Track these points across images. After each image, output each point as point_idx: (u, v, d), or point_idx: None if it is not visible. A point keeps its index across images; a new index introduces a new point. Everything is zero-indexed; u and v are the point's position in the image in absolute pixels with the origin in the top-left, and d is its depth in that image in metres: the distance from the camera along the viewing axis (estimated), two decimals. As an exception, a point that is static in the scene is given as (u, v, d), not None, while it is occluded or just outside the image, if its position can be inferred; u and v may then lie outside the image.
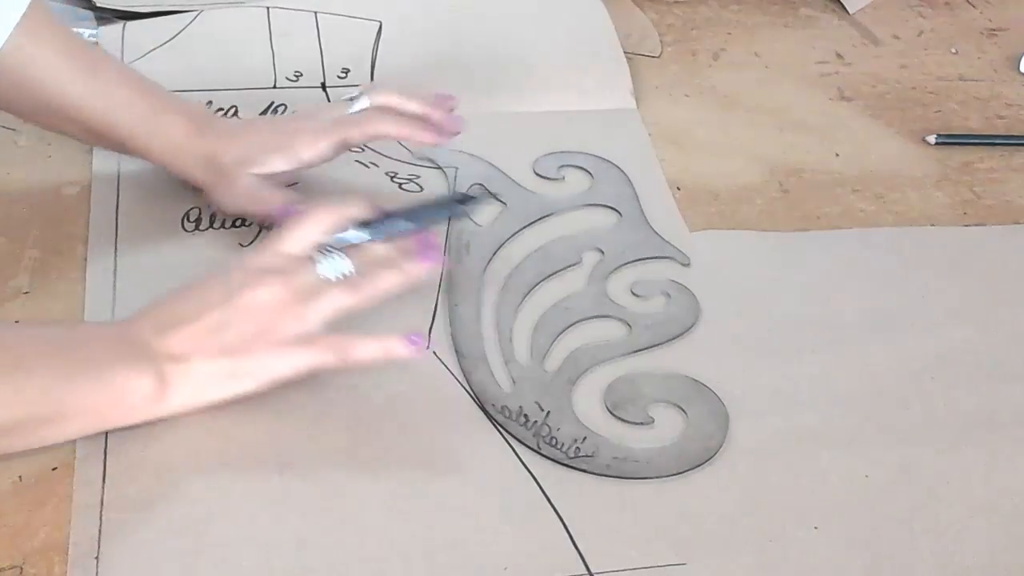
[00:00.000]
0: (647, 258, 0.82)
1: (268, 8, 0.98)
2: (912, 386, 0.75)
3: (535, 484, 0.67)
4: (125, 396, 0.64)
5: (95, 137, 0.79)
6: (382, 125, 0.79)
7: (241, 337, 0.65)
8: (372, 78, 0.95)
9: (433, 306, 0.77)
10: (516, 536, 0.64)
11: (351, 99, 0.80)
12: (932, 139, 0.95)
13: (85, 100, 0.76)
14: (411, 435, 0.69)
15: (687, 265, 0.82)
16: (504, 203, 0.85)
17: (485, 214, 0.83)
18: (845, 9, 1.11)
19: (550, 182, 0.88)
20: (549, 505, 0.66)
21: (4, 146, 0.86)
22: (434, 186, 0.86)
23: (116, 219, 0.80)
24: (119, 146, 0.79)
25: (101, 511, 0.63)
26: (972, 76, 1.04)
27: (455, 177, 0.87)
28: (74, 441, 0.66)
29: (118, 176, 0.83)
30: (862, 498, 0.67)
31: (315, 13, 0.98)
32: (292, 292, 0.66)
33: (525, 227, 0.83)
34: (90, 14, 0.97)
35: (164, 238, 0.80)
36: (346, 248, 0.68)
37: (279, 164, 0.79)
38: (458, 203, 0.76)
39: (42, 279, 0.76)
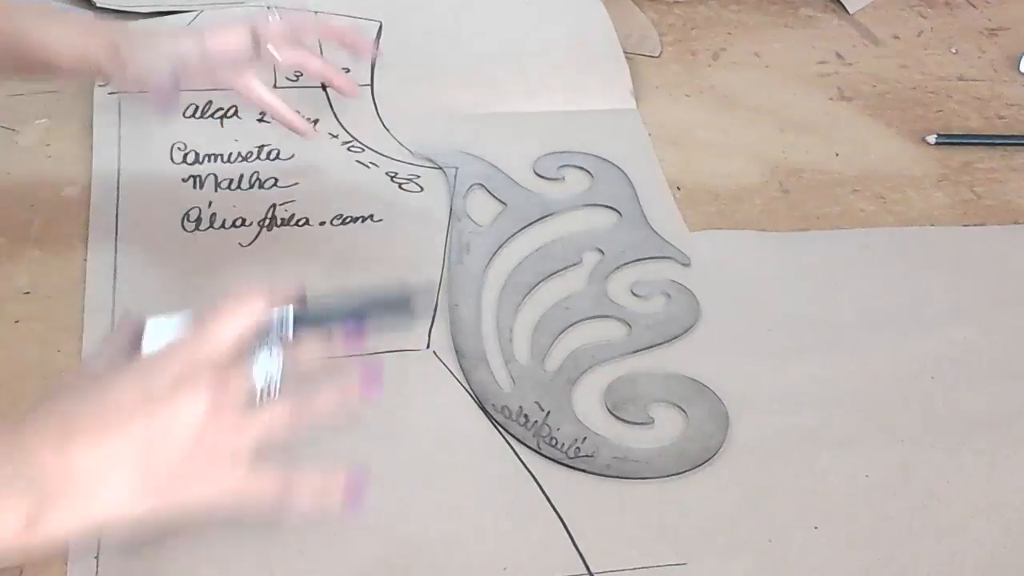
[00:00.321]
0: (647, 258, 0.82)
1: (268, 8, 0.98)
2: (912, 386, 0.75)
3: (535, 484, 0.67)
4: None
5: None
6: (307, 58, 0.77)
7: (162, 458, 0.52)
8: (372, 78, 0.95)
9: (433, 306, 0.77)
10: (516, 536, 0.64)
11: (269, 8, 0.78)
12: (932, 139, 0.95)
13: None
14: (411, 435, 0.69)
15: (687, 265, 0.82)
16: (505, 203, 0.85)
17: (484, 212, 0.83)
18: (845, 9, 1.11)
19: (550, 182, 0.88)
20: (549, 505, 0.66)
21: (4, 146, 0.86)
22: (435, 186, 0.86)
23: (116, 219, 0.80)
24: (16, 59, 0.72)
25: (101, 511, 0.63)
26: (972, 76, 1.04)
27: (455, 177, 0.87)
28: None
29: (118, 176, 0.83)
30: (862, 498, 0.68)
31: (315, 13, 0.98)
32: (224, 407, 0.53)
33: (525, 227, 0.83)
34: (90, 14, 0.97)
35: (164, 238, 0.80)
36: (275, 348, 0.56)
37: (182, 46, 0.74)
38: (401, 307, 0.60)
39: (42, 279, 0.76)
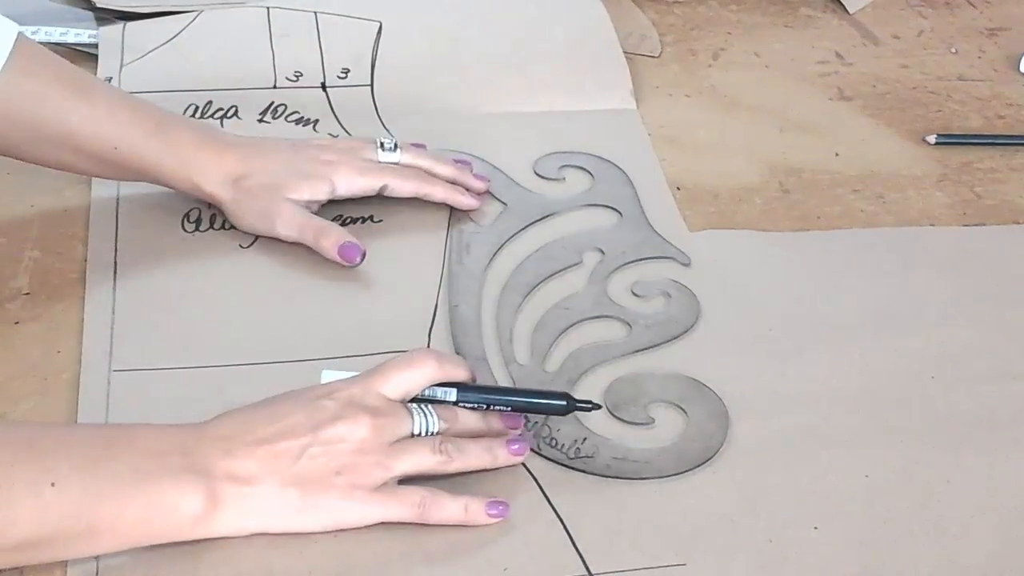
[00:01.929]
0: (647, 258, 0.82)
1: (268, 8, 0.98)
2: (912, 386, 0.75)
3: (535, 484, 0.67)
4: (167, 514, 0.58)
5: (104, 165, 0.77)
6: (428, 187, 0.82)
7: (319, 472, 0.60)
8: (372, 78, 0.95)
9: (433, 306, 0.77)
10: (516, 536, 0.64)
11: (381, 145, 0.82)
12: (932, 139, 0.95)
13: (86, 126, 0.74)
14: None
15: (687, 265, 0.82)
16: (505, 203, 0.85)
17: (483, 212, 0.84)
18: (845, 9, 1.11)
19: (551, 182, 0.88)
20: (549, 505, 0.66)
21: (4, 146, 0.86)
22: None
23: (116, 219, 0.80)
24: (130, 171, 0.77)
25: (101, 511, 0.63)
26: (972, 76, 1.04)
27: None
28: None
29: (118, 176, 0.83)
30: (862, 498, 0.67)
31: (315, 13, 0.98)
32: (382, 438, 0.61)
33: (526, 227, 0.83)
34: (90, 14, 0.97)
35: (164, 238, 0.80)
36: (436, 406, 0.65)
37: (311, 192, 0.79)
38: (564, 405, 0.68)
39: (42, 279, 0.76)
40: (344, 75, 0.95)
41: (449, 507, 0.62)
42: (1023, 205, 0.90)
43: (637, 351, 0.75)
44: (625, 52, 0.99)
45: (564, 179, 0.88)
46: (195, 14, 0.97)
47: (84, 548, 0.58)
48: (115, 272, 0.77)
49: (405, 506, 0.62)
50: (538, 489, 0.66)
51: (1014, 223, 0.88)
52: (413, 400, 0.64)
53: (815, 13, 1.11)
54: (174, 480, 0.58)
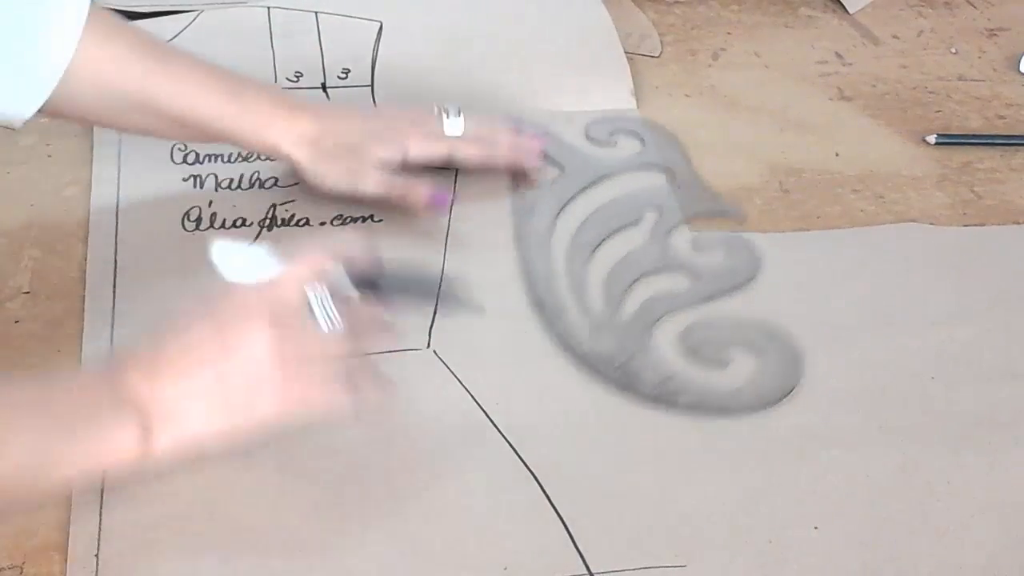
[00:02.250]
0: (704, 215, 0.86)
1: (269, 8, 0.98)
2: (912, 386, 0.75)
3: (535, 484, 0.67)
4: (108, 449, 0.59)
5: (185, 128, 0.78)
6: (493, 153, 0.84)
7: (238, 389, 0.61)
8: (372, 78, 0.95)
9: (433, 307, 0.77)
10: (516, 536, 0.64)
11: (446, 112, 0.83)
12: (932, 139, 0.95)
13: (164, 89, 0.76)
14: (411, 434, 0.69)
15: (742, 222, 0.86)
16: (562, 166, 0.89)
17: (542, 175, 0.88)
18: (845, 9, 1.11)
19: (603, 146, 0.91)
20: (549, 505, 0.66)
21: (4, 146, 0.86)
22: (436, 184, 0.86)
23: (116, 219, 0.80)
24: (209, 133, 0.79)
25: (101, 510, 0.63)
26: (972, 76, 1.04)
27: (456, 176, 0.87)
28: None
29: (118, 176, 0.83)
30: (862, 498, 0.67)
31: (315, 13, 0.98)
32: (291, 342, 0.62)
33: (584, 189, 0.87)
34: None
35: (164, 238, 0.80)
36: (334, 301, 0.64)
37: (386, 153, 0.81)
38: (445, 295, 0.72)
39: (42, 279, 0.76)
40: (344, 75, 0.95)
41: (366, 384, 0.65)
42: (1023, 205, 0.90)
43: (705, 300, 0.79)
44: (625, 52, 0.99)
45: (616, 143, 0.91)
46: (195, 14, 0.97)
47: (38, 491, 0.60)
48: (115, 271, 0.77)
49: (330, 400, 0.63)
50: (538, 489, 0.67)
51: (1014, 223, 0.88)
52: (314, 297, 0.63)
53: (815, 13, 1.11)
54: (110, 417, 0.59)
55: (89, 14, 0.72)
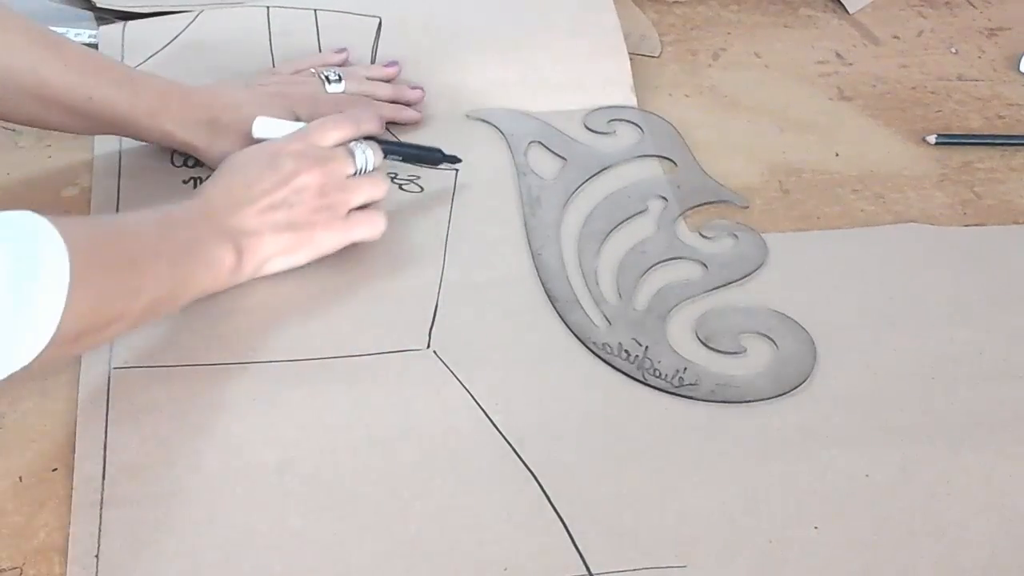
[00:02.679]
0: (707, 203, 0.87)
1: (268, 7, 0.98)
2: (912, 386, 0.75)
3: (535, 484, 0.67)
4: (215, 268, 0.71)
5: (76, 117, 0.78)
6: (370, 123, 0.83)
7: (298, 216, 0.74)
8: (372, 78, 0.95)
9: (433, 307, 0.77)
10: (516, 536, 0.64)
11: (327, 79, 0.89)
12: (932, 139, 0.95)
13: (57, 77, 0.76)
14: (411, 434, 0.69)
15: (746, 207, 0.87)
16: (565, 158, 0.90)
17: (545, 167, 0.89)
18: (845, 9, 1.11)
19: (602, 136, 0.92)
20: (549, 505, 0.66)
21: (4, 146, 0.86)
22: (434, 183, 0.86)
23: (116, 219, 0.80)
24: (103, 122, 0.79)
25: (101, 510, 0.63)
26: (972, 76, 1.04)
27: (456, 176, 0.87)
28: (73, 441, 0.66)
29: (118, 176, 0.83)
30: (862, 498, 0.67)
31: (315, 11, 0.98)
32: (335, 177, 0.76)
33: (588, 179, 0.88)
34: (90, 14, 0.97)
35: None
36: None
37: (278, 114, 0.82)
38: (441, 157, 0.86)
39: (42, 279, 0.76)
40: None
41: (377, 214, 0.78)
42: (1023, 205, 0.90)
43: (717, 287, 0.80)
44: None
45: (615, 132, 0.92)
46: (195, 14, 0.97)
47: (167, 308, 0.70)
48: (115, 272, 0.77)
49: (366, 226, 0.77)
50: (538, 489, 0.66)
51: (1014, 223, 0.88)
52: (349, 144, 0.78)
53: (815, 13, 1.11)
54: (214, 242, 0.71)
55: None
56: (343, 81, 0.90)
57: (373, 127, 0.82)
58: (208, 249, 0.71)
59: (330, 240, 0.76)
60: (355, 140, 0.79)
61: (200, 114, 0.81)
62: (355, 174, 0.77)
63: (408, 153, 0.85)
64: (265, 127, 0.79)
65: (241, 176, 0.74)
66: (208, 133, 0.81)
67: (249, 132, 0.80)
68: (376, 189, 0.78)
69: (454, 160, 0.85)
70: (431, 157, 0.85)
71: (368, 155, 0.78)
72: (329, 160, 0.76)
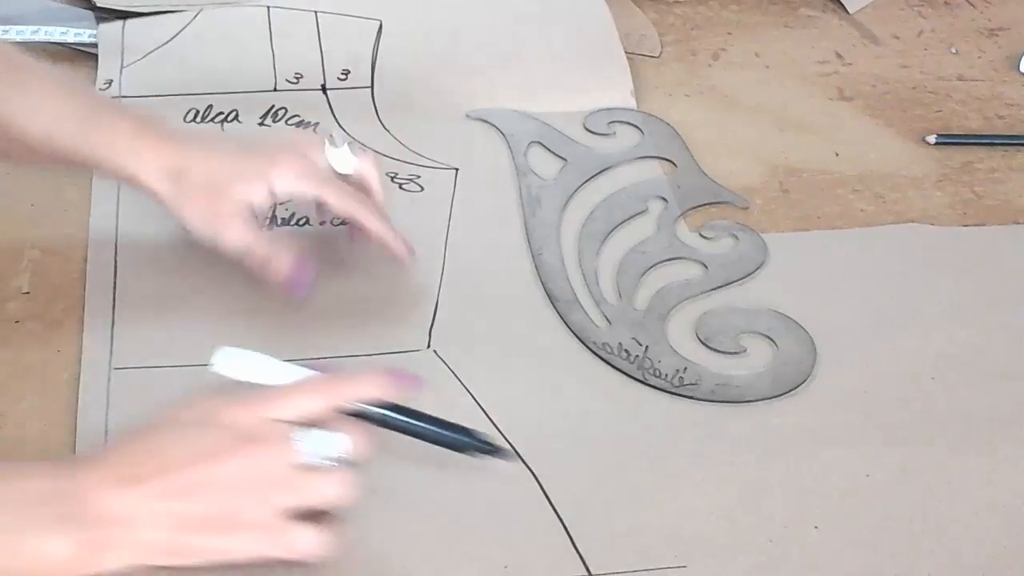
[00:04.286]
0: (707, 203, 0.87)
1: (268, 8, 0.98)
2: (912, 386, 0.75)
3: (535, 484, 0.67)
4: (34, 564, 0.55)
5: (36, 155, 0.71)
6: (364, 215, 0.74)
7: (200, 511, 0.57)
8: (372, 79, 0.95)
9: (433, 307, 0.77)
10: (516, 536, 0.64)
11: (332, 142, 0.74)
12: (932, 139, 0.95)
13: (17, 114, 0.69)
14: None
15: (746, 208, 0.87)
16: (564, 158, 0.90)
17: (545, 167, 0.89)
18: (845, 9, 1.11)
19: (602, 137, 0.92)
20: (549, 505, 0.66)
21: (4, 146, 0.86)
22: (435, 186, 0.86)
23: (116, 219, 0.80)
24: (65, 161, 0.72)
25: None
26: (972, 76, 1.04)
27: (456, 175, 0.87)
28: (73, 441, 0.66)
29: (118, 176, 0.83)
30: (862, 498, 0.67)
31: (315, 12, 0.98)
32: (269, 472, 0.57)
33: (588, 180, 0.88)
34: (90, 14, 0.97)
35: (164, 238, 0.80)
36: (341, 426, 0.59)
37: (248, 196, 0.71)
38: (475, 448, 0.63)
39: (42, 279, 0.76)
40: (344, 76, 0.95)
41: (317, 538, 0.58)
42: (1023, 205, 0.90)
43: (717, 288, 0.80)
44: (625, 52, 0.99)
45: (614, 134, 0.92)
46: (194, 14, 0.97)
47: None
48: (115, 271, 0.77)
49: (304, 542, 0.58)
50: (538, 489, 0.66)
51: (1014, 223, 0.88)
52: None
53: (815, 13, 1.11)
54: (43, 530, 0.55)
55: None
56: (346, 146, 0.74)
57: (368, 392, 0.60)
58: (26, 541, 0.55)
59: (237, 551, 0.57)
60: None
61: (167, 160, 0.71)
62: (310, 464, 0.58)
63: (424, 434, 0.63)
64: (227, 363, 0.61)
65: (150, 442, 0.58)
66: (173, 183, 0.71)
67: (216, 197, 0.70)
68: (333, 490, 0.58)
69: (490, 450, 0.63)
70: (457, 442, 0.63)
71: (324, 445, 0.58)
72: (266, 443, 0.57)
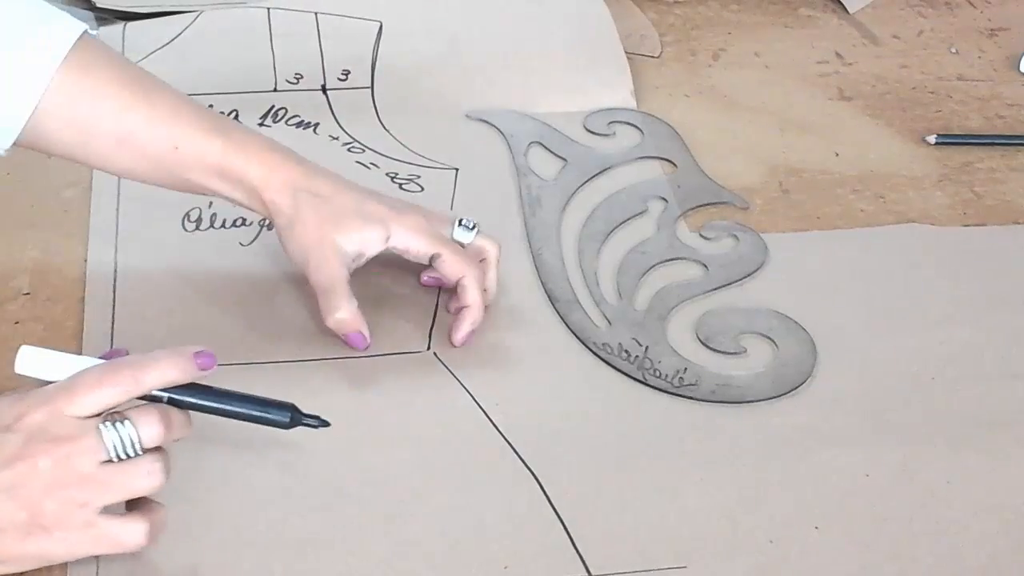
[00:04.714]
0: (707, 203, 0.87)
1: (268, 9, 0.98)
2: (912, 386, 0.75)
3: (535, 484, 0.67)
4: None
5: (160, 168, 0.71)
6: (470, 286, 0.73)
7: (11, 519, 0.56)
8: (372, 80, 0.95)
9: (433, 308, 0.77)
10: (516, 536, 0.64)
11: (459, 221, 0.75)
12: (932, 139, 0.95)
13: (144, 126, 0.70)
14: (411, 436, 0.69)
15: (746, 208, 0.87)
16: (564, 159, 0.90)
17: (545, 167, 0.89)
18: (845, 9, 1.11)
19: (602, 137, 0.92)
20: (549, 505, 0.66)
21: (4, 146, 0.86)
22: (434, 186, 0.86)
23: (116, 219, 0.80)
24: (187, 173, 0.71)
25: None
26: (972, 76, 1.04)
27: (457, 176, 0.87)
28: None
29: (118, 177, 0.83)
30: (862, 498, 0.67)
31: (315, 14, 0.98)
32: (73, 470, 0.56)
33: (588, 180, 0.88)
34: (90, 15, 0.97)
35: (164, 238, 0.80)
36: (144, 410, 0.58)
37: (363, 239, 0.72)
38: (287, 419, 0.62)
39: (42, 279, 0.76)
40: (344, 77, 0.95)
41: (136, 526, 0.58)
42: (1023, 205, 0.90)
43: (717, 288, 0.80)
44: (625, 52, 0.99)
45: (614, 134, 0.92)
46: (195, 14, 0.97)
47: None
48: (115, 271, 0.77)
49: (115, 534, 0.58)
50: (538, 489, 0.67)
51: (1014, 223, 0.88)
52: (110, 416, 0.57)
53: (815, 13, 1.11)
54: None
55: (78, 41, 0.68)
56: (475, 231, 0.75)
57: (170, 376, 0.59)
58: None
59: (61, 554, 0.58)
60: (139, 402, 0.59)
61: (296, 179, 0.71)
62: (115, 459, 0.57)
63: (239, 413, 0.61)
64: (29, 362, 0.59)
65: None
66: (292, 201, 0.71)
67: (328, 225, 0.71)
68: (143, 482, 0.58)
69: (315, 422, 0.63)
70: (272, 419, 0.62)
71: (129, 436, 0.57)
72: (67, 443, 0.56)
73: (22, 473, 0.56)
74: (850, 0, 1.11)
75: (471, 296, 0.74)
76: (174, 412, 0.59)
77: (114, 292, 0.75)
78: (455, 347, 0.74)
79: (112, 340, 0.72)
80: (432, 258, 0.74)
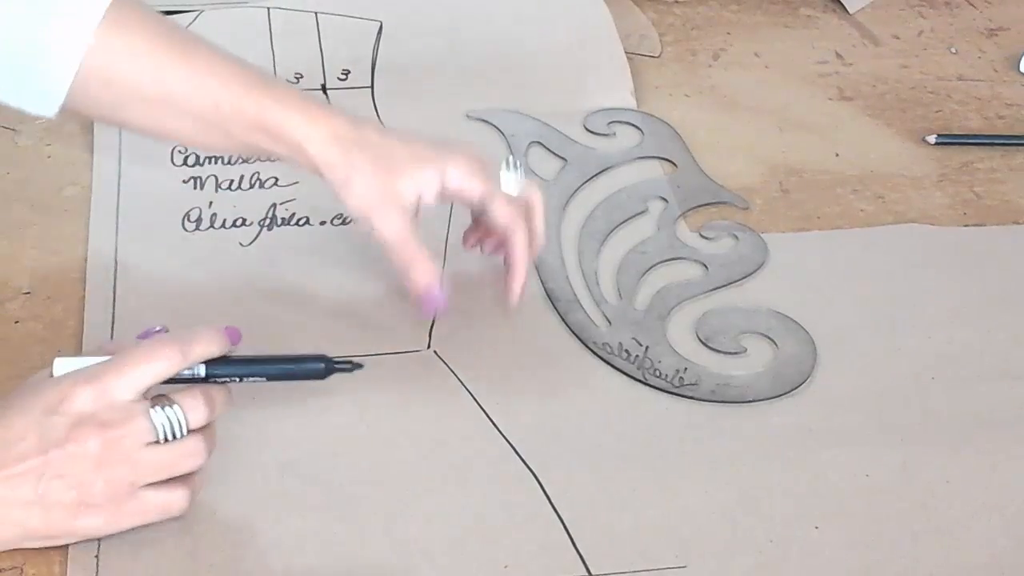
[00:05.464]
0: (707, 203, 0.87)
1: (269, 9, 0.98)
2: (912, 386, 0.75)
3: (535, 484, 0.67)
4: None
5: (199, 125, 0.69)
6: (517, 232, 0.72)
7: (56, 496, 0.58)
8: (372, 79, 0.95)
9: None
10: (516, 536, 0.64)
11: (509, 164, 0.74)
12: (932, 139, 0.95)
13: (184, 84, 0.68)
14: (412, 435, 0.69)
15: (746, 208, 0.87)
16: (564, 159, 0.90)
17: (545, 167, 0.88)
18: (845, 9, 1.11)
19: (601, 137, 0.92)
20: (549, 505, 0.66)
21: (4, 146, 0.86)
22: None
23: (116, 219, 0.80)
24: (229, 131, 0.69)
25: (101, 511, 0.63)
26: (972, 76, 1.04)
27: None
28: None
29: (118, 176, 0.84)
30: (862, 498, 0.67)
31: (315, 13, 0.98)
32: (119, 450, 0.58)
33: (588, 180, 0.88)
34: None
35: (164, 238, 0.80)
36: (186, 393, 0.60)
37: (419, 182, 0.70)
38: (322, 367, 0.64)
39: (42, 279, 0.76)
40: (344, 76, 0.95)
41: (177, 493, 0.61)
42: (1023, 205, 0.90)
43: (717, 288, 0.80)
44: (625, 52, 0.99)
45: (614, 134, 0.92)
46: (196, 14, 0.97)
47: None
48: (115, 272, 0.77)
49: (155, 507, 0.61)
50: (538, 489, 0.67)
51: (1014, 223, 0.88)
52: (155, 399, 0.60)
53: (815, 13, 1.11)
54: None
55: (112, 2, 0.66)
56: (520, 169, 0.74)
57: (211, 348, 0.61)
58: None
59: (96, 529, 0.60)
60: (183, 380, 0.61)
61: (340, 129, 0.68)
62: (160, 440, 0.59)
63: (275, 372, 0.64)
64: (65, 368, 0.61)
65: (3, 430, 0.58)
66: (342, 153, 0.68)
67: (386, 175, 0.68)
68: (186, 461, 0.60)
69: (348, 366, 0.65)
70: (312, 371, 0.64)
71: (177, 419, 0.59)
72: (117, 426, 0.58)
73: (72, 454, 0.58)
74: (850, 0, 1.11)
75: (519, 247, 0.72)
76: (215, 391, 0.61)
77: (114, 291, 0.75)
78: (511, 306, 0.73)
79: (112, 340, 0.72)
80: (485, 201, 0.71)
